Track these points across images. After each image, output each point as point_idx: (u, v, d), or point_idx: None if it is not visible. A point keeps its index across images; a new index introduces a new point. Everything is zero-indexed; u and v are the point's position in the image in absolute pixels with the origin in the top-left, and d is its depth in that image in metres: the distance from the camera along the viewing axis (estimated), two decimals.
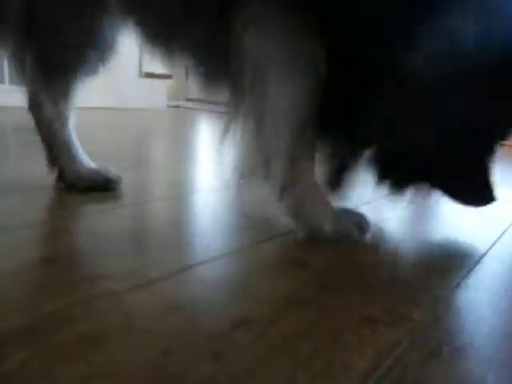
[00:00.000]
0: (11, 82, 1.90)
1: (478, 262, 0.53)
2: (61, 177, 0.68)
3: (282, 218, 0.54)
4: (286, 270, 0.45)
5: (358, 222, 0.56)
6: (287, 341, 0.33)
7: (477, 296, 0.44)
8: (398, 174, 0.56)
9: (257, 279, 0.43)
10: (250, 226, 0.58)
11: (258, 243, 0.52)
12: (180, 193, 0.72)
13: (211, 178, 0.87)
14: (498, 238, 0.64)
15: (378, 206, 0.76)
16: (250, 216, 0.62)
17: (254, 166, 0.53)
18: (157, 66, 1.69)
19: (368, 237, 0.56)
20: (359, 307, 0.39)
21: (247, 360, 0.30)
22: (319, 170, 0.55)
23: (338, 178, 0.55)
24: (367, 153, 0.54)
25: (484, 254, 0.56)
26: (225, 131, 0.53)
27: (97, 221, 0.54)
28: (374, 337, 0.35)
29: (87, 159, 0.71)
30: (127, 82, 2.01)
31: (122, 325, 0.33)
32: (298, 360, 0.31)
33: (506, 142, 0.59)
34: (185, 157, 1.08)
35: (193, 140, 1.42)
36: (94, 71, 0.71)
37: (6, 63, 1.85)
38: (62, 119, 0.70)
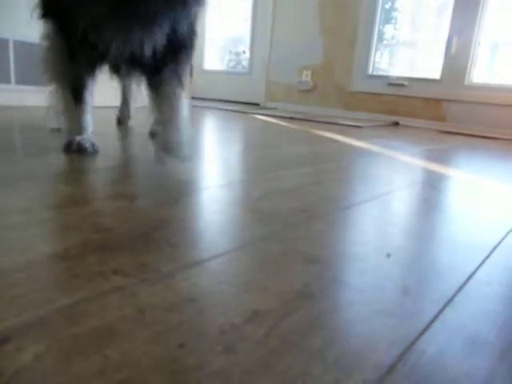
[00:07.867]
0: (17, 81, 1.91)
1: (488, 255, 0.53)
2: None
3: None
4: (297, 264, 0.45)
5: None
6: (299, 333, 0.33)
7: (489, 290, 0.44)
8: None
9: (268, 273, 0.43)
10: (259, 221, 0.58)
11: (269, 237, 0.52)
12: (189, 189, 0.72)
13: (218, 174, 0.87)
14: (510, 231, 0.63)
15: (387, 200, 0.76)
16: (259, 211, 0.62)
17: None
18: None
19: None
20: (369, 301, 0.39)
21: (260, 353, 0.30)
22: None
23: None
24: None
25: (495, 247, 0.56)
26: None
27: (108, 216, 0.54)
28: (387, 328, 0.35)
29: None
30: None
31: (135, 318, 0.33)
32: (310, 352, 0.31)
33: None
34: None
35: (197, 138, 1.42)
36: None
37: (12, 63, 1.86)
38: None
